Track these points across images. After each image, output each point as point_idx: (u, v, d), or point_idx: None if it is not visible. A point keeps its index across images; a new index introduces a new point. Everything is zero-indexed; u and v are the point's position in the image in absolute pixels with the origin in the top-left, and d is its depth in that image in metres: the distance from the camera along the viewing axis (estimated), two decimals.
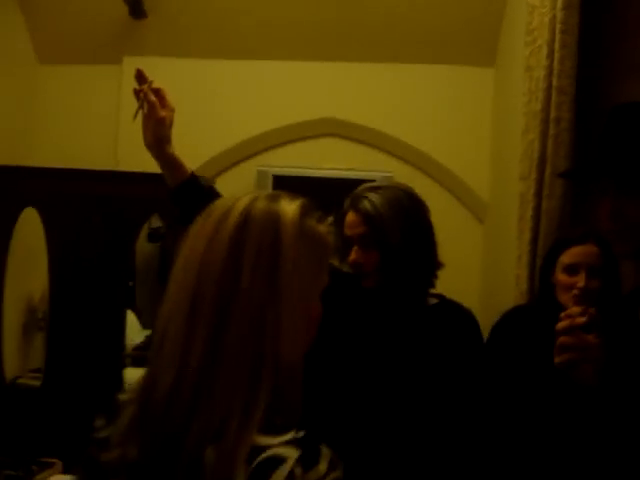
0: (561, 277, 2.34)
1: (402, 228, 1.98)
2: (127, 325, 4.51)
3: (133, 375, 4.54)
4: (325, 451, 0.99)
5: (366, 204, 1.99)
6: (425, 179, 4.64)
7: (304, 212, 1.12)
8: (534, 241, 2.83)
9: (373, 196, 2.00)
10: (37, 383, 4.22)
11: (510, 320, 2.46)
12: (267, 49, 4.45)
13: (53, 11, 4.42)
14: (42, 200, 4.16)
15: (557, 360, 1.47)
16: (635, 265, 1.73)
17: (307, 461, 0.97)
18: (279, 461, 0.96)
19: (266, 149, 4.63)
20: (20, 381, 4.38)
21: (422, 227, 2.04)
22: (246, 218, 1.07)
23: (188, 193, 1.91)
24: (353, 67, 4.49)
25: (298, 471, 0.95)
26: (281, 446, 0.98)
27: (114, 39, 4.42)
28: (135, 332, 5.09)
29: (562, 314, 1.47)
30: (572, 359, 1.44)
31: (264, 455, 0.97)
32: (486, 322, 2.50)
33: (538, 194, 2.81)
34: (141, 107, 1.88)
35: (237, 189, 4.11)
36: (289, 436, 0.99)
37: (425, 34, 4.32)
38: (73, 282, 4.14)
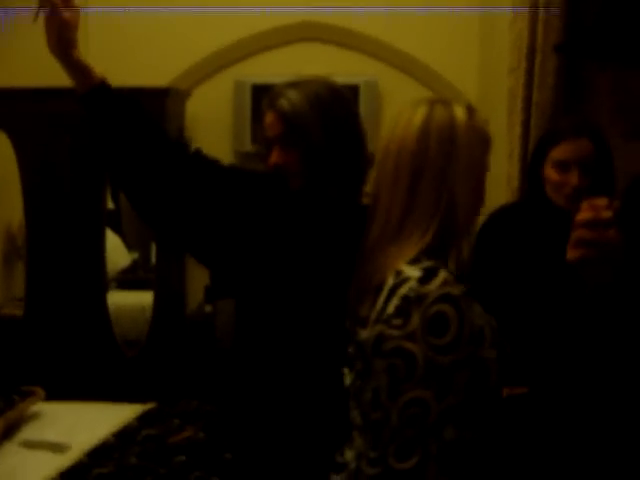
0: (551, 173, 2.20)
1: (322, 124, 1.87)
2: (111, 248, 4.40)
3: (120, 299, 4.45)
4: (443, 274, 1.38)
5: (283, 102, 1.88)
6: (410, 82, 4.46)
7: (469, 110, 1.50)
8: (525, 136, 2.69)
9: (291, 93, 1.87)
10: (21, 312, 4.12)
11: (497, 220, 2.34)
12: None
13: None
14: (11, 122, 3.99)
15: (571, 255, 1.28)
16: None
17: (425, 279, 1.36)
18: (407, 279, 1.38)
19: (243, 58, 4.41)
20: (3, 311, 4.27)
21: (344, 122, 1.91)
22: (429, 117, 1.47)
23: (98, 100, 1.87)
24: None
25: (415, 285, 1.36)
26: (411, 270, 1.40)
27: None
28: (120, 255, 4.99)
29: (583, 204, 1.27)
30: (590, 255, 1.26)
31: (401, 276, 1.40)
32: (479, 224, 2.38)
33: (528, 85, 2.65)
34: (41, 6, 1.75)
35: (215, 101, 3.94)
36: (421, 265, 1.40)
37: None
38: (49, 206, 4.00)
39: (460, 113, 1.48)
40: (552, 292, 1.99)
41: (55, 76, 3.99)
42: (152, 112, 3.53)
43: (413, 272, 1.39)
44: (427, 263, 1.41)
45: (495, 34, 3.64)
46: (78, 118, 3.90)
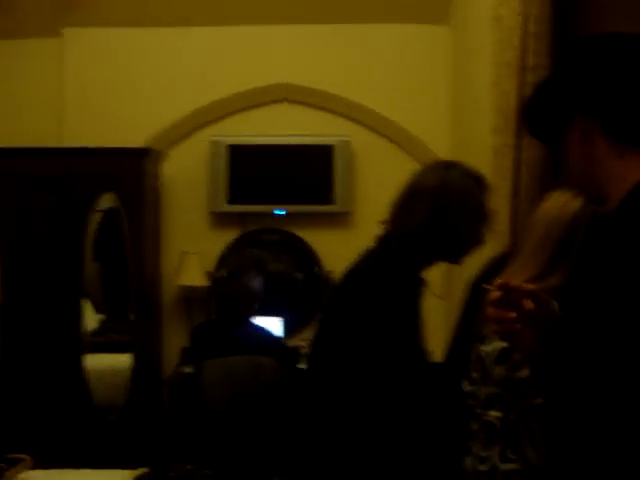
0: None
1: None
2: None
3: (92, 362, 4.35)
4: None
5: None
6: (383, 142, 4.53)
7: (584, 207, 1.69)
8: (515, 194, 2.74)
9: None
10: None
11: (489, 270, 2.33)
12: (216, 15, 4.25)
13: None
14: None
15: (494, 329, 1.32)
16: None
17: None
18: None
19: (219, 118, 4.44)
20: None
21: None
22: (582, 212, 1.70)
23: None
24: (305, 30, 4.33)
25: None
26: None
27: (52, 11, 4.17)
28: (89, 318, 4.90)
29: (493, 284, 1.27)
30: (506, 330, 1.29)
31: None
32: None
33: (517, 145, 2.71)
34: None
35: (191, 160, 3.94)
36: None
37: None
38: (25, 269, 3.94)
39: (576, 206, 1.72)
40: None
41: (29, 136, 4.00)
42: (129, 172, 3.56)
43: None
44: None
45: (470, 94, 3.74)
46: (55, 178, 3.89)
